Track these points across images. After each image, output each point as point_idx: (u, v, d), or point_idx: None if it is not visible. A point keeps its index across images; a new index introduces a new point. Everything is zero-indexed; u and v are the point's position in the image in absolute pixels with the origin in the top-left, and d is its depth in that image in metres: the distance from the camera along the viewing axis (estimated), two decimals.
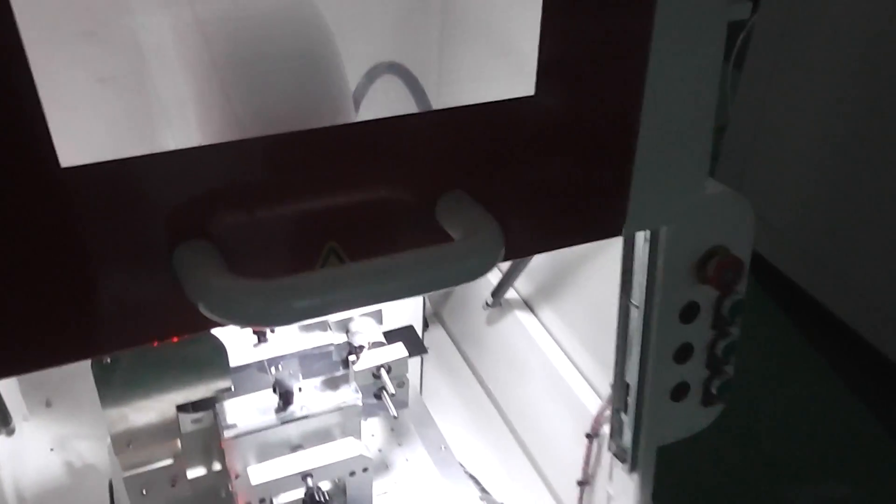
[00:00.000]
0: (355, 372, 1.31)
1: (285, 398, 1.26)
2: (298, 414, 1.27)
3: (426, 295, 1.79)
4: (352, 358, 1.32)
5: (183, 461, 1.28)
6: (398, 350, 1.34)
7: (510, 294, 1.76)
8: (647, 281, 1.23)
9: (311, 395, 1.29)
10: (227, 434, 1.24)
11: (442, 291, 2.04)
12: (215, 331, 1.17)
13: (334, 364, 1.39)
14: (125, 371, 1.15)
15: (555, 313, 1.67)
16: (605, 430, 1.47)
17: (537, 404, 1.71)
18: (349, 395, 1.29)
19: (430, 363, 2.03)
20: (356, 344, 1.30)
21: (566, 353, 1.63)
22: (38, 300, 0.79)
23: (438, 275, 0.84)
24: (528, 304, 1.75)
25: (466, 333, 2.03)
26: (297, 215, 0.87)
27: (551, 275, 1.66)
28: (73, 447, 1.86)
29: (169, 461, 1.27)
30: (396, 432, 1.54)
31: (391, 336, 1.41)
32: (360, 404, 1.30)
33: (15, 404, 1.85)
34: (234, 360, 1.34)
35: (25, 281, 0.77)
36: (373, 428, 1.55)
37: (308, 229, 0.88)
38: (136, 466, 1.26)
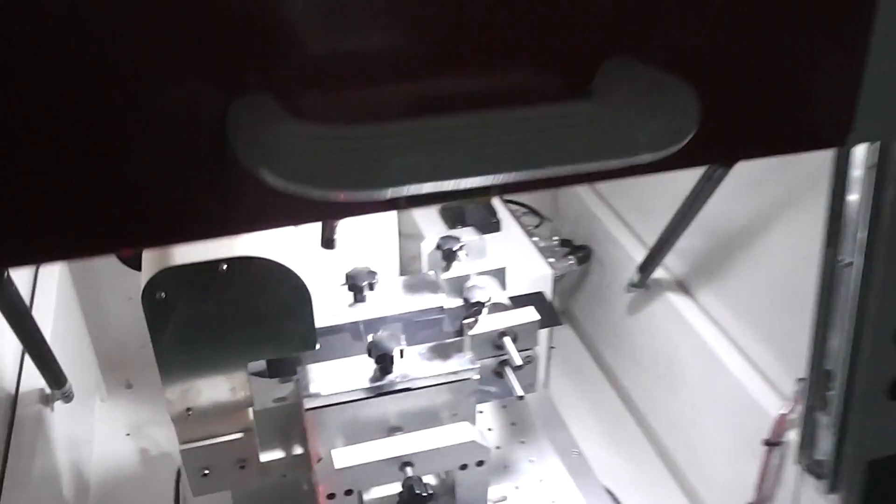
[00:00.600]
0: (472, 337, 1.04)
1: (383, 364, 0.99)
2: (399, 385, 1.00)
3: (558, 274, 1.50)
4: (468, 321, 1.05)
5: (254, 438, 1.03)
6: (528, 314, 1.06)
7: (659, 273, 1.45)
8: (870, 226, 0.90)
9: (415, 364, 1.02)
10: (308, 404, 0.98)
11: (574, 273, 1.74)
12: (295, 268, 0.93)
13: (446, 334, 1.12)
14: (184, 312, 0.91)
15: (717, 295, 1.35)
16: (791, 437, 1.13)
17: (691, 407, 1.39)
18: (463, 364, 1.02)
19: (555, 365, 1.73)
20: (473, 300, 1.03)
21: (734, 343, 1.30)
22: (62, 172, 0.53)
23: (603, 138, 0.56)
24: (682, 286, 1.43)
25: (601, 326, 1.72)
26: (400, 75, 0.59)
27: (713, 246, 1.34)
28: (149, 434, 1.66)
29: (237, 435, 1.02)
30: (519, 428, 1.24)
31: (517, 301, 1.12)
32: (477, 377, 1.02)
33: (93, 383, 1.67)
34: (324, 322, 1.10)
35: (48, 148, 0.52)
36: (489, 420, 1.26)
37: (415, 100, 0.60)
38: (196, 439, 1.01)
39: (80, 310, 1.58)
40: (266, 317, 0.94)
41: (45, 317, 1.35)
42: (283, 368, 1.03)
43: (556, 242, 1.64)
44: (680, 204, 1.28)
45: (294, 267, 0.93)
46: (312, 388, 0.99)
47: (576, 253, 1.65)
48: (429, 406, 1.02)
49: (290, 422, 1.06)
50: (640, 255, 1.48)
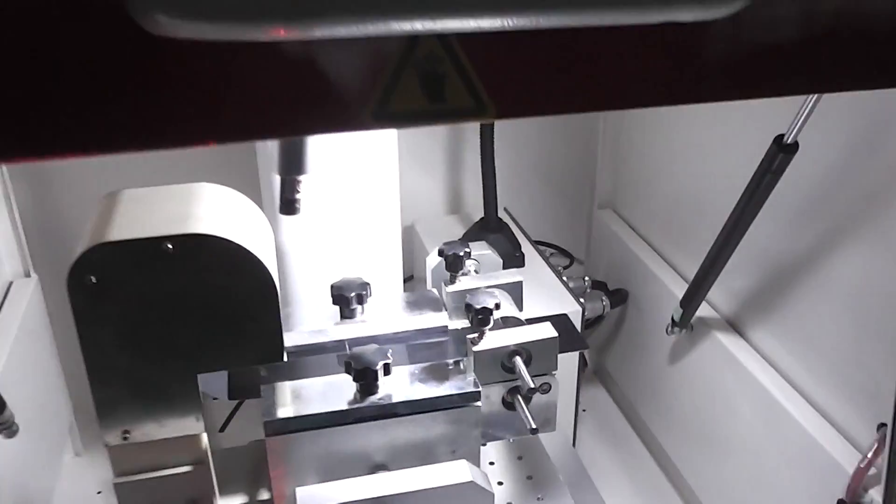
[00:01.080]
0: (476, 355, 0.85)
1: (364, 383, 0.81)
2: (383, 410, 0.81)
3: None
4: (472, 336, 0.86)
5: (209, 474, 0.85)
6: (544, 329, 0.87)
7: (704, 311, 1.25)
8: None
9: (404, 384, 0.83)
10: (269, 430, 0.80)
11: (606, 323, 1.55)
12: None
13: (448, 356, 0.93)
14: (118, 302, 0.74)
15: (773, 333, 1.15)
16: (874, 496, 0.91)
17: (744, 464, 1.17)
18: (464, 387, 0.83)
19: (585, 427, 1.52)
20: (479, 306, 0.84)
21: (795, 385, 1.09)
22: None
23: None
24: (732, 324, 1.23)
25: (637, 381, 1.51)
26: None
27: (764, 276, 1.15)
28: None
29: (186, 469, 0.84)
30: (536, 483, 1.03)
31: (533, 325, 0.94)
32: (479, 404, 0.83)
33: (61, 431, 1.49)
34: (301, 339, 0.92)
35: None
36: (501, 473, 1.05)
37: None
38: (135, 471, 0.83)
39: (53, 345, 1.42)
40: (221, 315, 0.77)
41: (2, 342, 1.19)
42: (244, 387, 0.85)
43: (588, 283, 1.45)
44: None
45: (261, 257, 0.76)
46: (279, 411, 0.81)
47: (610, 296, 1.46)
48: (421, 439, 0.83)
49: (258, 455, 0.87)
50: (678, 286, 1.29)
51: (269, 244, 0.84)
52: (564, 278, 1.42)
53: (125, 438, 0.81)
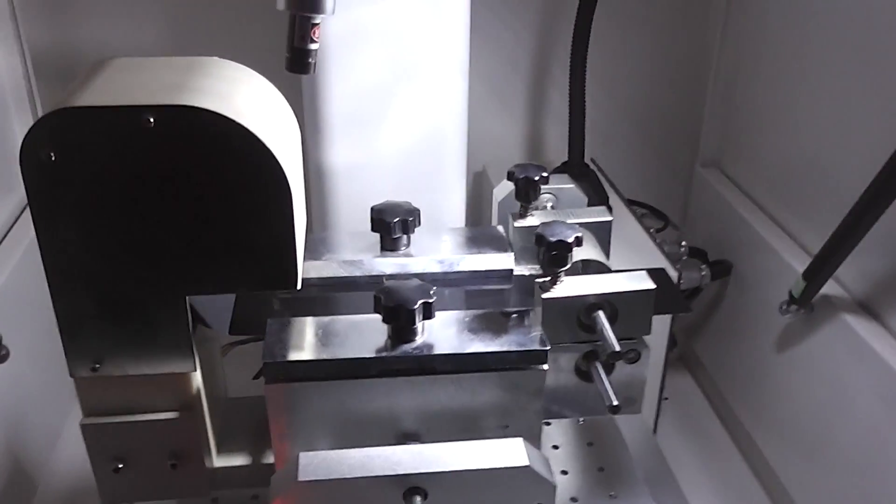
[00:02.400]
0: (546, 303, 0.65)
1: (397, 325, 0.62)
2: (419, 361, 0.62)
3: None
4: (541, 281, 0.66)
5: (199, 423, 0.68)
6: (637, 280, 0.66)
7: (830, 289, 1.02)
8: None
9: (450, 333, 0.64)
10: (270, 374, 0.62)
11: (702, 300, 1.32)
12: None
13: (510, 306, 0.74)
14: (82, 189, 0.57)
15: None
16: None
17: (867, 473, 0.94)
18: (527, 342, 0.63)
19: (666, 419, 1.30)
20: (553, 238, 0.64)
21: None
22: None
23: None
24: (865, 307, 1.00)
25: (735, 371, 1.28)
26: None
27: None
28: None
29: (171, 415, 0.67)
30: (609, 476, 0.83)
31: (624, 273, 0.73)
32: (545, 367, 0.63)
33: None
34: (329, 270, 0.75)
35: None
36: (566, 460, 0.85)
37: None
38: (106, 411, 0.67)
39: None
40: (216, 217, 0.59)
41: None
42: (248, 321, 0.67)
43: (685, 249, 1.23)
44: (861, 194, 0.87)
45: (272, 146, 0.58)
46: (281, 353, 0.63)
47: (711, 266, 1.23)
48: (466, 405, 0.64)
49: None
50: (802, 269, 1.06)
51: (291, 139, 0.66)
52: (658, 241, 1.21)
53: (94, 370, 0.64)
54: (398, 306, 0.61)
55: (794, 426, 1.10)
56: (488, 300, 0.76)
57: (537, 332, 0.64)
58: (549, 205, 0.82)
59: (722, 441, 1.28)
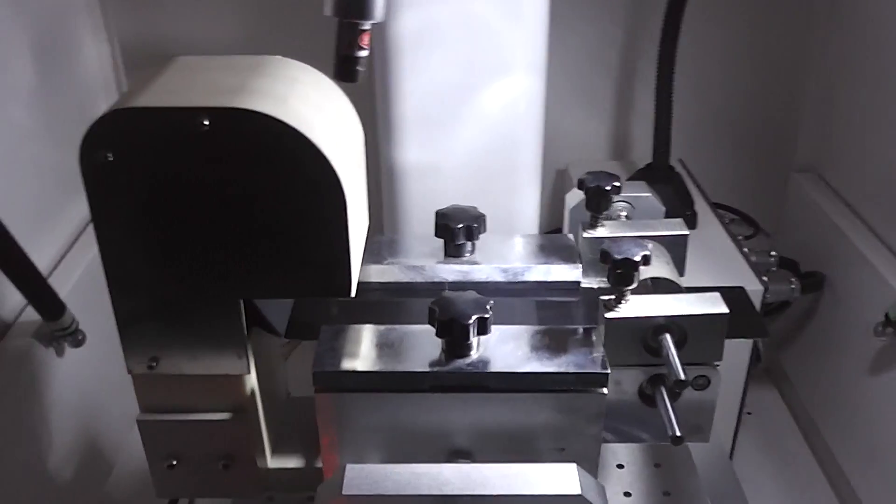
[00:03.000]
0: (610, 324, 0.62)
1: (451, 339, 0.60)
2: (474, 377, 0.60)
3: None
4: (607, 298, 0.63)
5: (252, 425, 0.67)
6: (709, 302, 0.62)
7: None
8: None
9: (508, 350, 0.62)
10: (320, 383, 0.61)
11: (793, 311, 1.25)
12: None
13: (574, 323, 0.71)
14: (141, 190, 0.57)
15: None
16: None
17: None
18: (587, 364, 0.60)
19: (748, 435, 1.25)
20: (619, 256, 0.60)
21: None
22: None
23: None
24: None
25: (822, 389, 1.21)
26: None
27: None
28: None
29: (224, 416, 0.67)
30: (675, 501, 0.79)
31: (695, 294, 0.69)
32: (605, 391, 0.60)
33: None
34: (387, 275, 0.73)
35: None
36: (630, 482, 0.81)
37: None
38: (163, 409, 0.67)
39: None
40: (269, 222, 0.58)
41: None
42: (305, 325, 0.66)
43: (775, 260, 1.17)
44: None
45: (328, 152, 0.56)
46: (332, 362, 0.61)
47: (802, 279, 1.16)
48: (520, 426, 0.61)
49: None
50: (893, 272, 0.99)
51: (352, 143, 0.64)
52: (745, 250, 1.15)
53: (151, 367, 0.64)
54: (452, 321, 0.59)
55: (884, 454, 1.03)
56: (553, 313, 0.73)
57: (599, 353, 0.61)
58: (623, 214, 0.78)
59: (805, 463, 1.22)
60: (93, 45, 1.15)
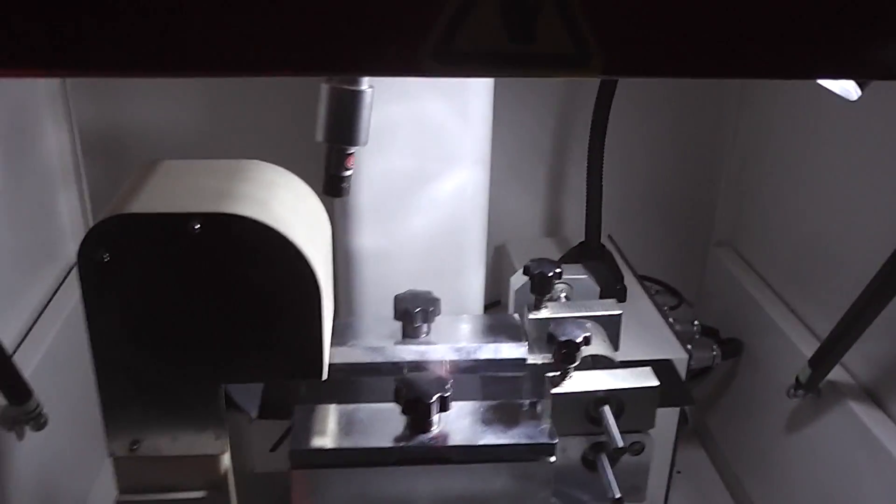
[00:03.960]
0: (555, 398, 0.69)
1: (415, 416, 0.67)
2: (435, 451, 0.66)
3: None
4: (552, 375, 0.71)
5: (227, 501, 0.72)
6: (643, 375, 0.70)
7: (837, 374, 1.05)
8: None
9: (465, 424, 0.68)
10: (295, 461, 0.66)
11: (714, 375, 1.35)
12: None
13: (523, 398, 0.78)
14: (133, 286, 0.63)
15: None
16: None
17: None
18: (536, 435, 0.67)
19: (679, 492, 1.33)
20: (563, 338, 0.68)
21: None
22: None
23: None
24: (871, 394, 1.03)
25: (746, 448, 1.31)
26: None
27: None
28: None
29: (199, 494, 0.71)
30: None
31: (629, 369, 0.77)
32: (553, 458, 0.67)
33: None
34: (353, 355, 0.79)
35: None
36: None
37: None
38: (141, 489, 0.71)
39: None
40: (251, 313, 0.64)
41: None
42: (277, 405, 0.72)
43: (697, 328, 1.27)
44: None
45: (305, 249, 0.63)
46: (312, 440, 0.67)
47: (722, 345, 1.27)
48: (479, 493, 0.68)
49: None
50: (810, 352, 1.09)
51: (322, 238, 0.71)
52: (671, 320, 1.24)
53: (132, 450, 0.69)
54: (417, 399, 0.65)
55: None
56: (503, 387, 0.80)
57: (546, 424, 0.69)
58: (563, 295, 0.86)
59: None
60: (53, 132, 1.19)
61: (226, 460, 0.71)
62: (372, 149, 0.92)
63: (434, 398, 0.65)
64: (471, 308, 1.03)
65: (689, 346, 1.16)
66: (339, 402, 0.72)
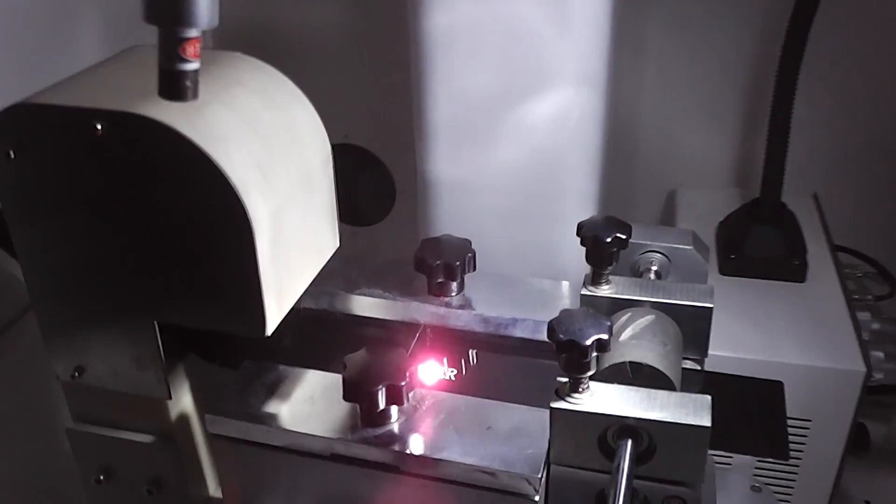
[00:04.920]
0: (553, 412, 0.50)
1: (366, 406, 0.51)
2: (381, 453, 0.51)
3: None
4: (560, 381, 0.51)
5: (178, 453, 0.61)
6: (690, 407, 0.48)
7: None
8: None
9: (427, 423, 0.52)
10: (212, 427, 0.54)
11: None
12: None
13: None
14: (44, 193, 0.52)
15: None
16: None
17: None
18: (517, 457, 0.49)
19: None
20: (564, 336, 0.48)
21: None
22: None
23: None
24: None
25: None
26: None
27: None
28: None
29: (148, 439, 0.61)
30: None
31: (680, 394, 0.56)
32: (537, 498, 0.49)
33: None
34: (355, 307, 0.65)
35: None
36: None
37: None
38: (92, 420, 0.63)
39: None
40: (172, 244, 0.51)
41: None
42: (226, 352, 0.60)
43: None
44: None
45: (233, 169, 0.49)
46: (236, 407, 0.54)
47: None
48: None
49: None
50: None
51: (300, 165, 0.56)
52: (867, 314, 0.96)
53: (75, 376, 0.60)
54: (356, 383, 0.50)
55: None
56: (520, 383, 0.62)
57: (539, 449, 0.50)
58: (653, 269, 0.64)
59: None
60: None
61: (178, 408, 0.61)
62: (446, 56, 0.75)
63: (379, 388, 0.49)
64: (568, 266, 0.83)
65: (878, 355, 0.88)
66: (315, 362, 0.58)
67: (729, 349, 0.85)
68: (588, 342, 0.47)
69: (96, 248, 0.53)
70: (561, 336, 0.47)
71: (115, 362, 0.58)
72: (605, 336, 0.47)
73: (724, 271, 0.95)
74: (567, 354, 0.47)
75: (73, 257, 0.54)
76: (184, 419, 0.61)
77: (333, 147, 0.59)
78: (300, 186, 0.56)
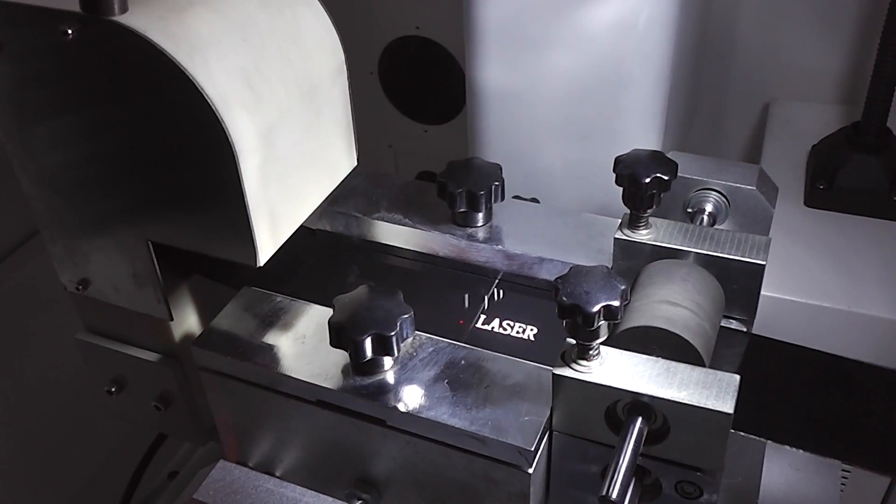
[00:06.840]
0: (555, 378, 0.44)
1: (356, 356, 0.46)
2: (372, 405, 0.47)
3: None
4: (567, 345, 0.45)
5: (181, 372, 0.59)
6: (712, 388, 0.42)
7: None
8: None
9: (427, 375, 0.47)
10: (199, 358, 0.51)
11: None
12: None
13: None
14: (29, 87, 0.48)
15: None
16: None
17: None
18: (512, 424, 0.44)
19: None
20: (568, 300, 0.42)
21: None
22: None
23: None
24: None
25: None
26: None
27: None
28: None
29: (153, 357, 0.59)
30: None
31: (706, 371, 0.49)
32: (530, 471, 0.44)
33: None
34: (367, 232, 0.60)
35: None
36: None
37: None
38: (102, 332, 0.61)
39: None
40: (155, 161, 0.47)
41: None
42: (223, 270, 0.56)
43: None
44: None
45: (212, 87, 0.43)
46: (224, 340, 0.51)
47: None
48: (428, 475, 0.47)
49: None
50: None
51: (305, 79, 0.50)
52: None
53: (79, 289, 0.58)
54: (342, 328, 0.45)
55: None
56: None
57: (538, 417, 0.45)
58: (707, 211, 0.56)
59: None
60: None
61: (181, 328, 0.58)
62: None
63: (367, 334, 0.44)
64: None
65: None
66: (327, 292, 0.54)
67: (804, 294, 0.75)
68: (594, 309, 0.40)
69: (83, 156, 0.50)
70: (565, 298, 0.41)
71: (115, 278, 0.55)
72: (615, 303, 0.41)
73: (809, 202, 0.85)
74: (569, 321, 0.41)
75: (63, 165, 0.51)
76: (189, 340, 0.59)
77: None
78: (301, 100, 0.50)
